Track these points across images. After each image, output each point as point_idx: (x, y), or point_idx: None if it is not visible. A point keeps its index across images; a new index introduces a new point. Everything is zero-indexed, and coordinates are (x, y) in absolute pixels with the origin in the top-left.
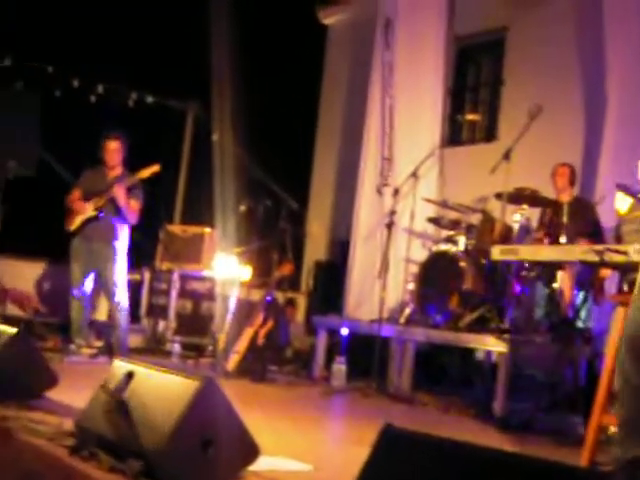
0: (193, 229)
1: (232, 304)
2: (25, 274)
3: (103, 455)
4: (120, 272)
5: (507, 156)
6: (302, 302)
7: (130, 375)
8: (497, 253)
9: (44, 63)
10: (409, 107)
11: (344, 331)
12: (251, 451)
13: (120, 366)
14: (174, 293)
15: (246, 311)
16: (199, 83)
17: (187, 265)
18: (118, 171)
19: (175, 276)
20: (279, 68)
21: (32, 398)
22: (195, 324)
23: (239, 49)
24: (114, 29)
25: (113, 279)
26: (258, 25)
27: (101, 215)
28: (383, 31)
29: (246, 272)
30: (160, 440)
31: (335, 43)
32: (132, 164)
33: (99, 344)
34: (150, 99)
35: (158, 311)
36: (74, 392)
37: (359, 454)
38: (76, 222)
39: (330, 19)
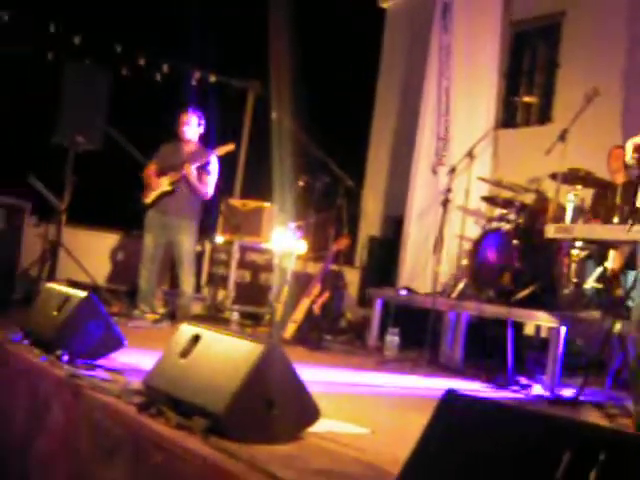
0: (253, 203)
1: (289, 275)
2: (95, 244)
3: (170, 413)
4: (190, 244)
5: (563, 137)
6: (356, 276)
7: (197, 338)
8: (552, 231)
9: (113, 41)
10: (465, 89)
11: (403, 292)
12: (312, 413)
13: (187, 329)
14: (234, 264)
15: (303, 282)
16: (260, 63)
17: (246, 237)
18: (193, 146)
19: (235, 247)
20: (338, 50)
21: (100, 358)
22: (253, 294)
23: (299, 31)
24: (178, 10)
25: (183, 251)
26: (317, 7)
27: (177, 190)
28: (441, 15)
29: (302, 245)
30: (225, 399)
31: (393, 26)
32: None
33: (162, 311)
34: (213, 78)
35: (218, 281)
36: (139, 354)
37: (413, 420)
38: (151, 196)
39: (388, 2)
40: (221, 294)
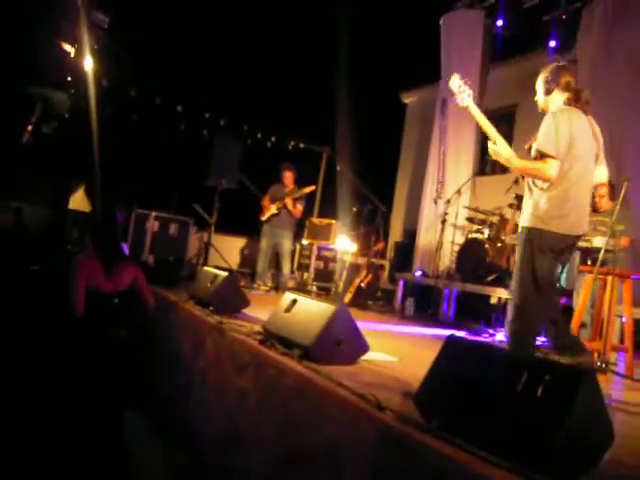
0: (325, 220)
1: (346, 264)
2: (231, 244)
3: (278, 345)
4: (289, 246)
5: (517, 181)
6: (387, 265)
7: (295, 301)
8: (509, 239)
9: (243, 123)
10: (454, 152)
11: (418, 273)
12: (363, 347)
13: (289, 296)
14: (313, 257)
15: (355, 269)
16: (330, 135)
17: (321, 241)
18: (291, 186)
19: (314, 247)
20: (377, 126)
21: (236, 312)
22: (325, 275)
23: (353, 113)
24: (281, 98)
25: (285, 249)
26: (361, 100)
27: (281, 212)
28: (440, 106)
29: (353, 246)
30: (312, 337)
31: (411, 115)
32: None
33: (270, 285)
34: (301, 145)
35: (304, 267)
36: (258, 311)
37: (425, 353)
38: (266, 215)
39: (408, 99)
40: (305, 275)
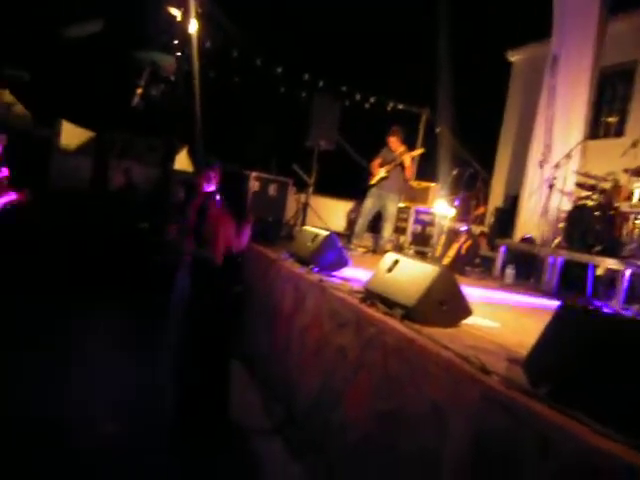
0: (424, 183)
1: (444, 229)
2: (330, 207)
3: (379, 304)
4: (394, 209)
5: (634, 145)
6: (486, 231)
7: (397, 261)
8: (624, 207)
9: (341, 84)
10: (564, 114)
11: (520, 239)
12: (466, 311)
13: (391, 256)
14: (410, 220)
15: (453, 234)
16: (429, 95)
17: (419, 204)
18: (401, 149)
19: (412, 210)
20: (480, 85)
21: (335, 271)
22: (422, 239)
23: (454, 73)
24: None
25: (389, 213)
26: (463, 59)
27: (390, 176)
28: (551, 64)
29: (452, 211)
30: (415, 298)
31: (517, 74)
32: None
33: (367, 245)
34: (400, 106)
35: (401, 230)
36: (356, 270)
37: (525, 321)
38: (375, 179)
39: (515, 57)
40: (402, 239)
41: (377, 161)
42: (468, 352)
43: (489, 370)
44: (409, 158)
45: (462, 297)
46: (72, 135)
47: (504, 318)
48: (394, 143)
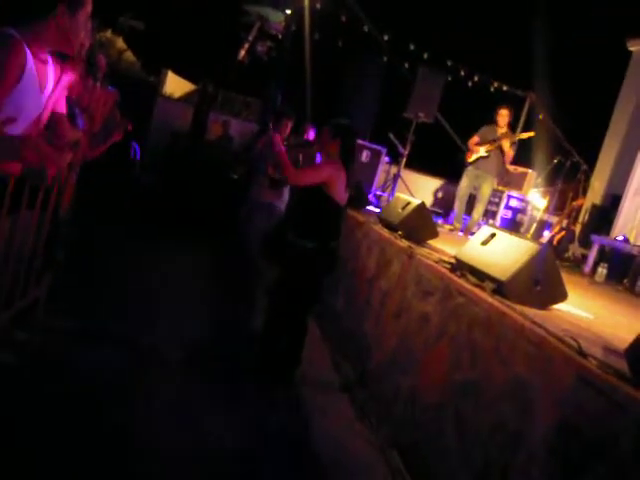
0: (520, 168)
1: (537, 219)
2: (421, 182)
3: (470, 275)
4: (489, 191)
5: None
6: (578, 226)
7: (493, 235)
8: None
9: (445, 58)
10: None
11: (620, 238)
12: (561, 295)
13: (487, 229)
14: (502, 205)
15: (544, 225)
16: (535, 79)
17: (513, 189)
18: (505, 129)
19: (504, 195)
20: (592, 75)
21: (422, 242)
22: (511, 226)
23: (564, 61)
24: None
25: (483, 194)
26: (577, 45)
27: (489, 156)
28: None
29: (544, 202)
30: (509, 273)
31: (637, 65)
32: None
33: (456, 225)
34: (505, 87)
35: (491, 214)
36: (443, 244)
37: (618, 318)
38: (472, 157)
39: (635, 47)
40: (490, 222)
41: (475, 138)
42: (562, 334)
43: (586, 353)
44: (510, 141)
45: (559, 279)
46: (176, 84)
47: (598, 312)
48: (503, 119)
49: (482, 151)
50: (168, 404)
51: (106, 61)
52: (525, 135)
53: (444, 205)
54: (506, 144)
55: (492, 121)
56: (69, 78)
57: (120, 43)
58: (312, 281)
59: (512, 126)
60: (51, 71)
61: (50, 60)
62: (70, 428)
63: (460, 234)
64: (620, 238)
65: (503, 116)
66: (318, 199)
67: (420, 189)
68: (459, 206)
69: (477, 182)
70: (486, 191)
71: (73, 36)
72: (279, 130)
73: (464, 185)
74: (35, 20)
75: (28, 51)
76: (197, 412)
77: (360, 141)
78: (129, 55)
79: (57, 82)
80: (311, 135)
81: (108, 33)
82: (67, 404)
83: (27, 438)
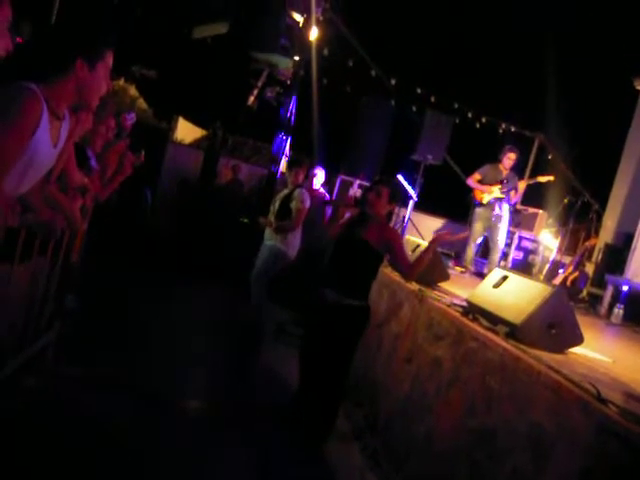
0: (531, 209)
1: (548, 259)
2: (430, 224)
3: (482, 319)
4: (505, 232)
5: None
6: (591, 267)
7: (505, 277)
8: None
9: (452, 101)
10: None
11: (625, 287)
12: (577, 338)
13: (499, 271)
14: (513, 246)
15: (557, 266)
16: (543, 120)
17: (524, 230)
18: (508, 171)
19: (515, 235)
20: (600, 114)
21: (433, 284)
22: (523, 267)
23: (571, 101)
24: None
25: (499, 235)
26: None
27: (506, 197)
28: None
29: (556, 243)
30: (522, 317)
31: None
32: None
33: (467, 267)
34: (513, 129)
35: (502, 255)
36: (454, 287)
37: (637, 362)
38: (485, 198)
39: None
40: (502, 264)
41: (476, 176)
42: (580, 379)
43: (605, 399)
44: (525, 186)
45: (574, 322)
46: (187, 130)
47: (616, 354)
48: (509, 163)
49: (497, 192)
50: (179, 452)
51: (134, 119)
52: (544, 179)
53: (454, 247)
54: (522, 185)
55: (496, 160)
56: (83, 128)
57: (132, 91)
58: (357, 340)
59: (518, 167)
60: (66, 126)
61: (67, 115)
62: (75, 472)
63: (469, 275)
64: (636, 279)
65: (510, 160)
66: (374, 261)
67: (429, 231)
68: (472, 249)
69: (492, 224)
70: (502, 232)
71: (93, 90)
72: (294, 177)
73: (478, 228)
74: (55, 75)
75: (45, 106)
76: (208, 458)
77: (368, 183)
78: (141, 102)
79: (70, 135)
80: (318, 176)
81: (121, 81)
82: (71, 448)
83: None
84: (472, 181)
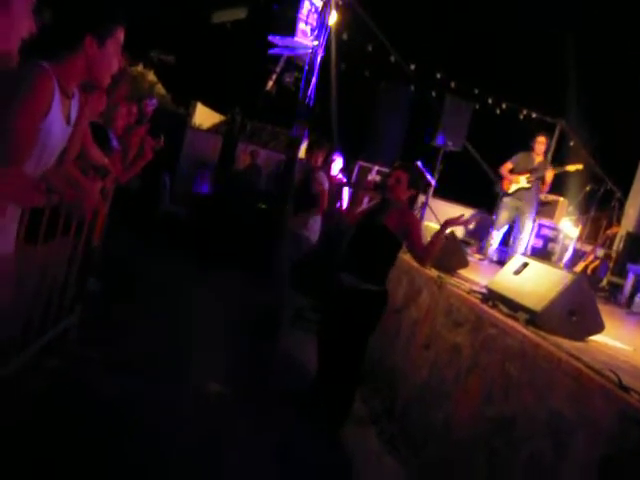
0: (551, 196)
1: (569, 248)
2: (449, 210)
3: (502, 306)
4: (531, 222)
5: None
6: (613, 256)
7: (526, 264)
8: None
9: (473, 86)
10: None
11: None
12: (598, 326)
13: (519, 258)
14: (533, 233)
15: (577, 255)
16: (565, 106)
17: (544, 218)
18: (542, 158)
19: (535, 224)
20: (623, 102)
21: (452, 271)
22: (542, 255)
23: (595, 87)
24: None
25: (525, 225)
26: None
27: (533, 187)
28: None
29: (576, 231)
30: (543, 303)
31: None
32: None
33: (485, 255)
34: (534, 115)
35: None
36: (473, 274)
37: None
38: (512, 187)
39: None
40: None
41: (509, 165)
42: (601, 366)
43: (627, 387)
44: (555, 172)
45: (595, 310)
46: (205, 115)
47: (637, 343)
48: (540, 148)
49: (523, 181)
50: (197, 436)
51: (156, 104)
52: (573, 167)
53: (474, 234)
54: (550, 175)
55: (528, 148)
56: (95, 108)
57: (151, 76)
58: (375, 324)
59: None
60: (75, 104)
61: (77, 93)
62: (94, 453)
63: (490, 263)
64: None
65: (541, 144)
66: (392, 247)
67: (446, 217)
68: (496, 238)
69: (517, 213)
70: (528, 224)
71: (103, 67)
72: (312, 159)
73: (503, 217)
74: (65, 53)
75: (56, 84)
76: (227, 442)
77: (386, 168)
78: (160, 88)
79: (81, 114)
80: (337, 162)
81: (140, 67)
82: (91, 430)
83: (53, 457)
84: (504, 170)
